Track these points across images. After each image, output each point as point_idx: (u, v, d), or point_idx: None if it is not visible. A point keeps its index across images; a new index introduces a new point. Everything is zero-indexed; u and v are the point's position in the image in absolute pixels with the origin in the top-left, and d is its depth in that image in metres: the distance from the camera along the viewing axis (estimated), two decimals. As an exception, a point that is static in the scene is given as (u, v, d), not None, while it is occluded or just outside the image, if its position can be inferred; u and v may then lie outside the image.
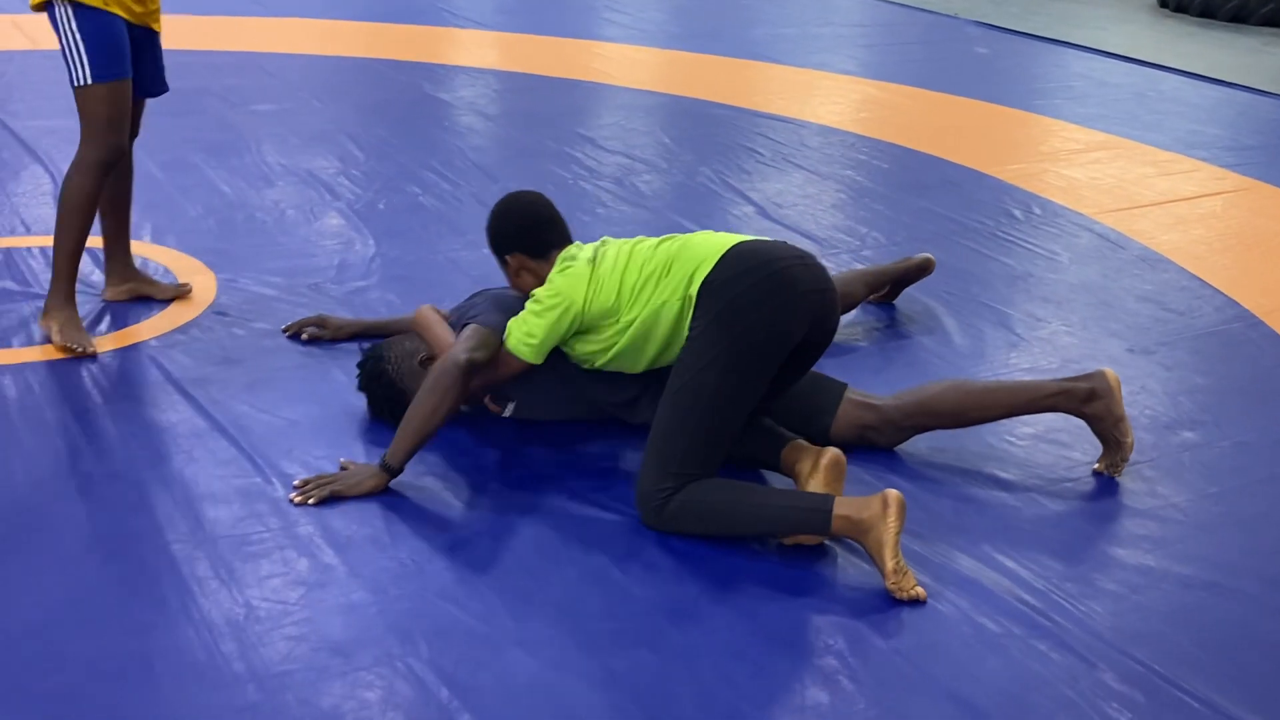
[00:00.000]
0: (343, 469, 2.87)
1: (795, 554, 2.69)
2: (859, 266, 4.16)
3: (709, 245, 2.84)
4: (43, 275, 3.82)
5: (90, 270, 3.86)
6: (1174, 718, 2.27)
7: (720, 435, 2.74)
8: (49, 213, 4.31)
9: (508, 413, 3.15)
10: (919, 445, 3.15)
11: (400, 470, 2.83)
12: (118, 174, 3.60)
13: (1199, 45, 8.58)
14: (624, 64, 7.10)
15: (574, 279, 2.86)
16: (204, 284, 3.82)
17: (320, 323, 3.52)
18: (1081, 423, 3.21)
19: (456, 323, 3.06)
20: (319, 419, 3.11)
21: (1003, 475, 3.04)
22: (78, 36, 3.25)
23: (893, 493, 2.58)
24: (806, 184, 5.16)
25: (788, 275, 2.78)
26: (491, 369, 2.91)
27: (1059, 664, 2.39)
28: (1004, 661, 2.39)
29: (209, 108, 5.67)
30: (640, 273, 2.85)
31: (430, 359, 3.06)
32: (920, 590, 2.57)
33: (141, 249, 4.01)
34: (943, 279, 4.21)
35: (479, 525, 2.74)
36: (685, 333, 2.79)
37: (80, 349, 3.33)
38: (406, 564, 2.57)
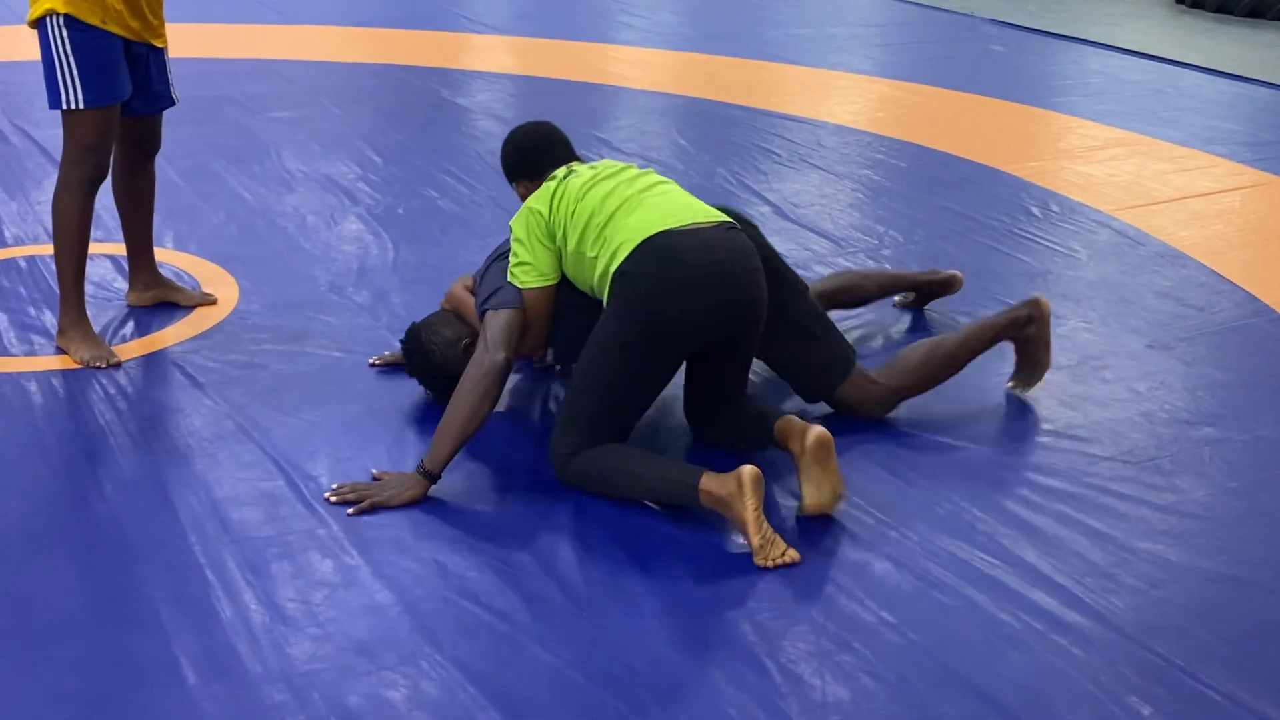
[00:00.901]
0: (376, 480, 2.85)
1: (811, 551, 2.70)
2: (885, 268, 4.14)
3: (638, 225, 2.87)
4: (67, 283, 3.86)
5: (114, 277, 3.90)
6: (1196, 712, 2.27)
7: (620, 409, 2.88)
8: (72, 221, 4.36)
9: (550, 359, 3.25)
10: (937, 441, 3.16)
11: (439, 476, 2.82)
12: (139, 186, 3.62)
13: (1216, 40, 8.55)
14: (639, 66, 7.12)
15: (539, 193, 3.02)
16: (226, 290, 3.86)
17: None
18: (1101, 417, 3.25)
19: (476, 293, 3.11)
20: (342, 422, 3.14)
21: (1022, 471, 3.05)
22: (71, 58, 3.20)
23: (748, 469, 2.62)
24: (823, 184, 5.17)
25: (695, 284, 2.80)
26: (525, 331, 2.97)
27: (1080, 659, 2.39)
28: (1025, 656, 2.40)
29: (229, 115, 5.71)
30: (590, 213, 2.94)
31: (473, 344, 3.06)
32: (792, 554, 2.62)
33: (164, 256, 4.04)
34: (962, 276, 4.21)
35: (501, 524, 2.76)
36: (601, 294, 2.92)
37: (103, 363, 3.35)
38: (429, 564, 2.59)
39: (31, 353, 3.44)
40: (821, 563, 2.66)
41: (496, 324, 2.91)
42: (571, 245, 2.95)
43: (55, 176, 4.78)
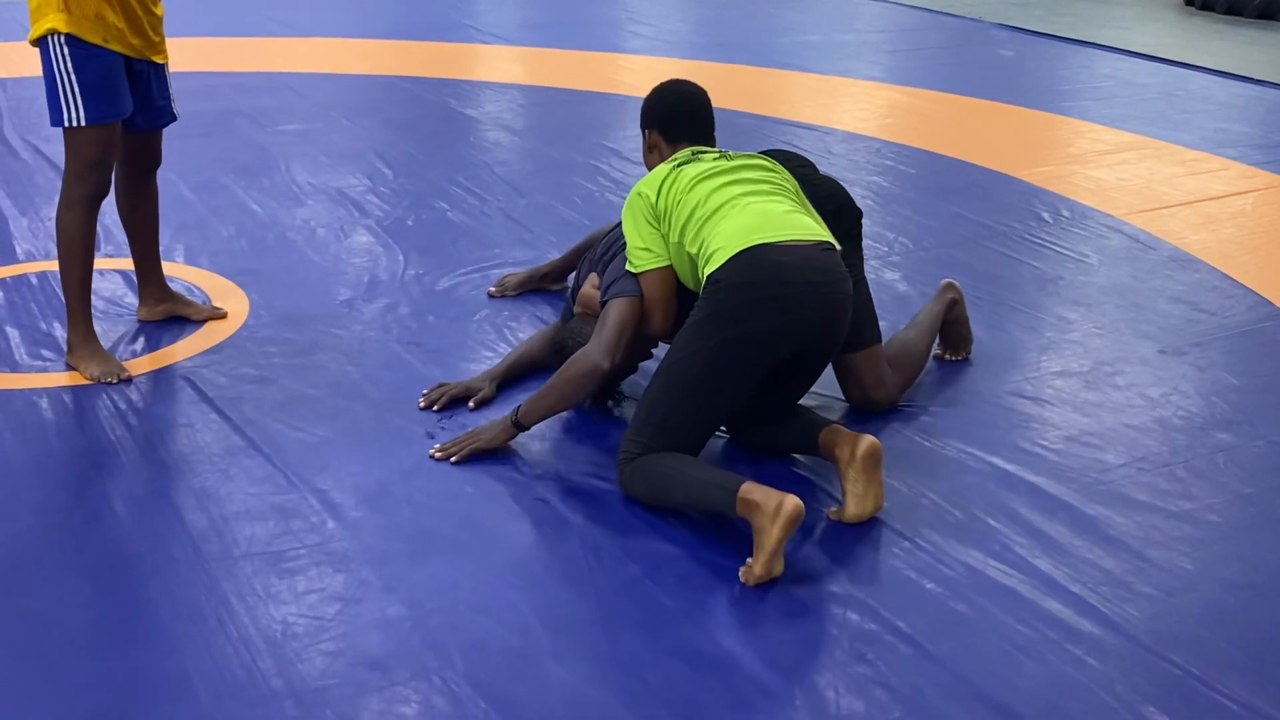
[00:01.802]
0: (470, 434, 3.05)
1: (820, 563, 2.69)
2: (908, 333, 3.61)
3: (737, 231, 2.88)
4: (78, 298, 3.87)
5: (124, 292, 3.91)
6: (1213, 721, 2.26)
7: (695, 421, 2.86)
8: (83, 236, 4.37)
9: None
10: (950, 449, 3.14)
11: (528, 429, 3.03)
12: (143, 201, 3.63)
13: (1226, 43, 8.52)
14: (649, 76, 7.12)
15: (651, 177, 3.05)
16: (236, 303, 3.86)
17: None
18: (1114, 423, 3.27)
19: (601, 267, 3.18)
20: (353, 435, 3.14)
21: (1035, 479, 3.03)
22: (73, 76, 3.21)
23: (793, 501, 2.57)
24: (833, 191, 5.16)
25: (791, 301, 2.82)
26: (648, 316, 3.02)
27: (1096, 669, 2.38)
28: (1040, 667, 2.38)
29: (239, 129, 5.73)
30: (693, 207, 2.95)
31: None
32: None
33: (174, 270, 4.05)
34: (972, 283, 4.20)
35: (512, 539, 2.76)
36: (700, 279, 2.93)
37: (113, 378, 3.36)
38: (441, 578, 2.59)
39: (43, 368, 3.45)
40: (833, 572, 2.65)
41: (613, 318, 2.99)
42: (674, 237, 2.98)
43: (65, 192, 4.81)
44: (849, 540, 2.77)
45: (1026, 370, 3.61)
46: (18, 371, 3.43)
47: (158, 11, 3.40)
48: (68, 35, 3.20)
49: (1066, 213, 4.93)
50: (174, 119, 3.57)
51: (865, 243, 4.56)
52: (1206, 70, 7.61)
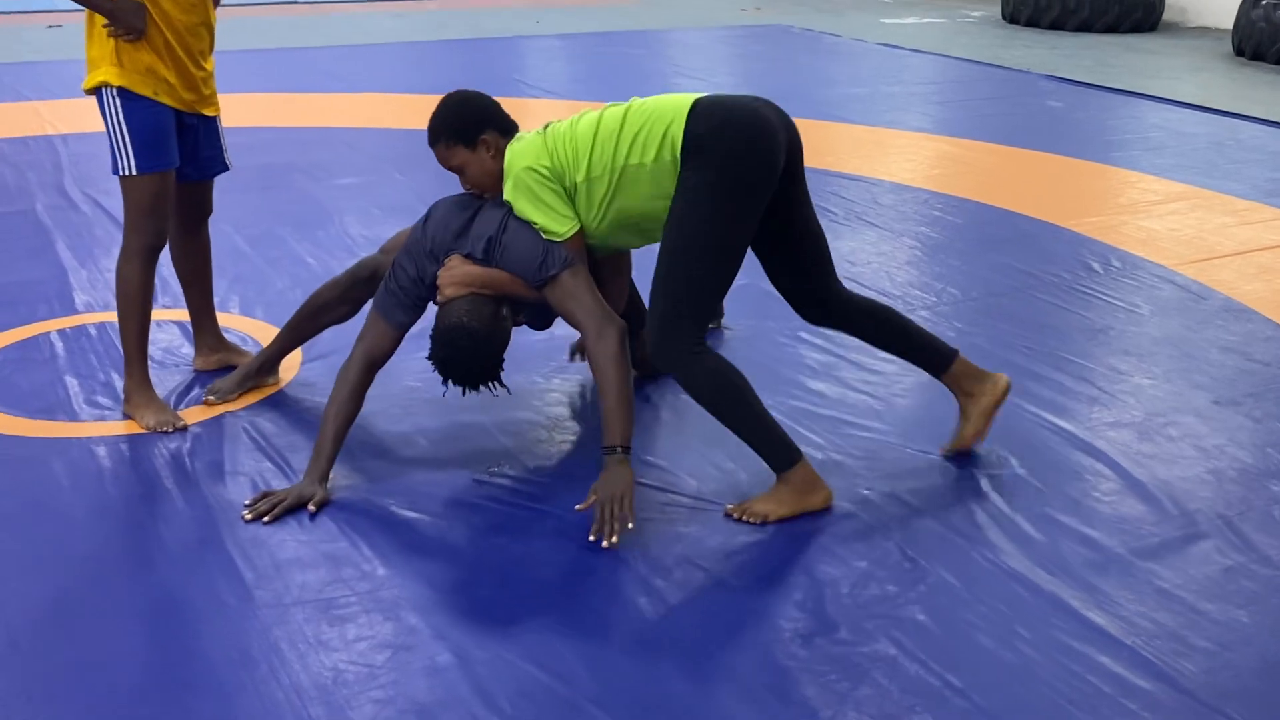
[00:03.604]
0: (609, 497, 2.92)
1: (874, 612, 2.67)
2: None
3: (672, 103, 3.01)
4: (136, 348, 3.94)
5: (180, 342, 3.98)
6: (1272, 778, 2.21)
7: (721, 283, 3.00)
8: (141, 287, 4.45)
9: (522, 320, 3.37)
10: (1001, 501, 3.12)
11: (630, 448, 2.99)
12: (195, 250, 3.71)
13: (1277, 92, 8.47)
14: (696, 128, 7.18)
15: (521, 153, 3.05)
16: (290, 355, 3.91)
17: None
18: (1167, 475, 3.24)
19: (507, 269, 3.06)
20: (402, 484, 3.17)
21: (1088, 530, 3.01)
22: (124, 127, 3.32)
23: (824, 496, 3.02)
24: (880, 241, 5.17)
25: (762, 116, 2.99)
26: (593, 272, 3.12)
27: (1150, 723, 2.35)
28: (1093, 721, 2.35)
29: (294, 182, 5.83)
30: (595, 133, 3.02)
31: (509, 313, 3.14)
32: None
33: (230, 321, 4.12)
34: (1022, 333, 4.19)
35: (558, 586, 2.76)
36: (667, 191, 2.96)
37: (169, 428, 3.41)
38: (489, 625, 2.60)
39: (101, 417, 3.51)
40: (883, 623, 2.64)
41: (583, 288, 3.02)
42: (581, 175, 3.01)
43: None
44: (896, 591, 2.75)
45: (1078, 421, 3.58)
46: (76, 420, 3.49)
47: (208, 67, 3.49)
48: (119, 89, 3.30)
49: (1117, 263, 4.90)
50: (225, 169, 3.66)
51: (914, 293, 4.57)
52: (1257, 120, 7.57)
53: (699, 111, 2.97)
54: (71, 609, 2.65)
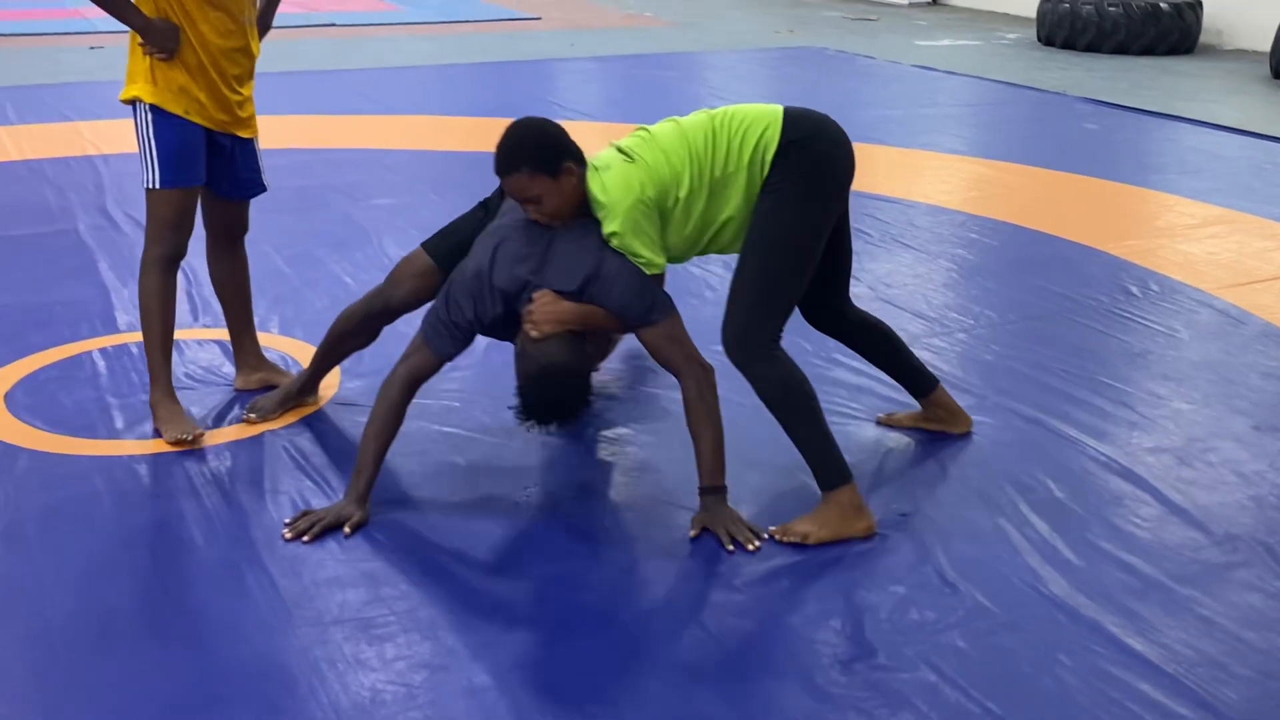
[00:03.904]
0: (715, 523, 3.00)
1: (909, 638, 2.66)
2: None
3: (763, 111, 3.06)
4: (175, 368, 3.97)
5: (221, 361, 4.01)
6: (1317, 809, 2.19)
7: (803, 288, 3.10)
8: (183, 308, 4.47)
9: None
10: (1041, 525, 3.10)
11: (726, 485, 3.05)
12: (232, 269, 3.77)
13: (1317, 115, 8.41)
14: (731, 150, 7.19)
15: (617, 179, 2.95)
16: (328, 374, 3.94)
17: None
18: (1207, 501, 3.23)
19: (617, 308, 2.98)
20: (441, 503, 3.18)
21: (1127, 557, 2.98)
22: (153, 142, 3.40)
23: (867, 525, 3.04)
24: (916, 263, 5.16)
25: (843, 132, 3.15)
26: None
27: (1193, 752, 2.32)
28: (1135, 749, 2.33)
29: (332, 203, 5.88)
30: (689, 147, 3.00)
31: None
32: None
33: (270, 340, 4.16)
34: (1060, 356, 4.17)
35: (595, 608, 2.77)
36: (754, 195, 3.01)
37: (190, 438, 3.44)
38: (526, 646, 2.60)
39: (142, 435, 3.54)
40: (923, 649, 2.62)
41: (684, 331, 3.04)
42: (684, 191, 2.98)
43: (166, 264, 4.96)
44: (935, 617, 2.74)
45: (1117, 446, 3.56)
46: (118, 438, 3.53)
47: (244, 92, 3.54)
48: (151, 105, 3.38)
49: (1155, 287, 4.88)
50: (263, 189, 3.72)
51: (951, 315, 4.56)
52: (1296, 143, 7.51)
53: (791, 119, 3.05)
54: (111, 625, 2.67)
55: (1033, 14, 11.79)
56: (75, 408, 3.69)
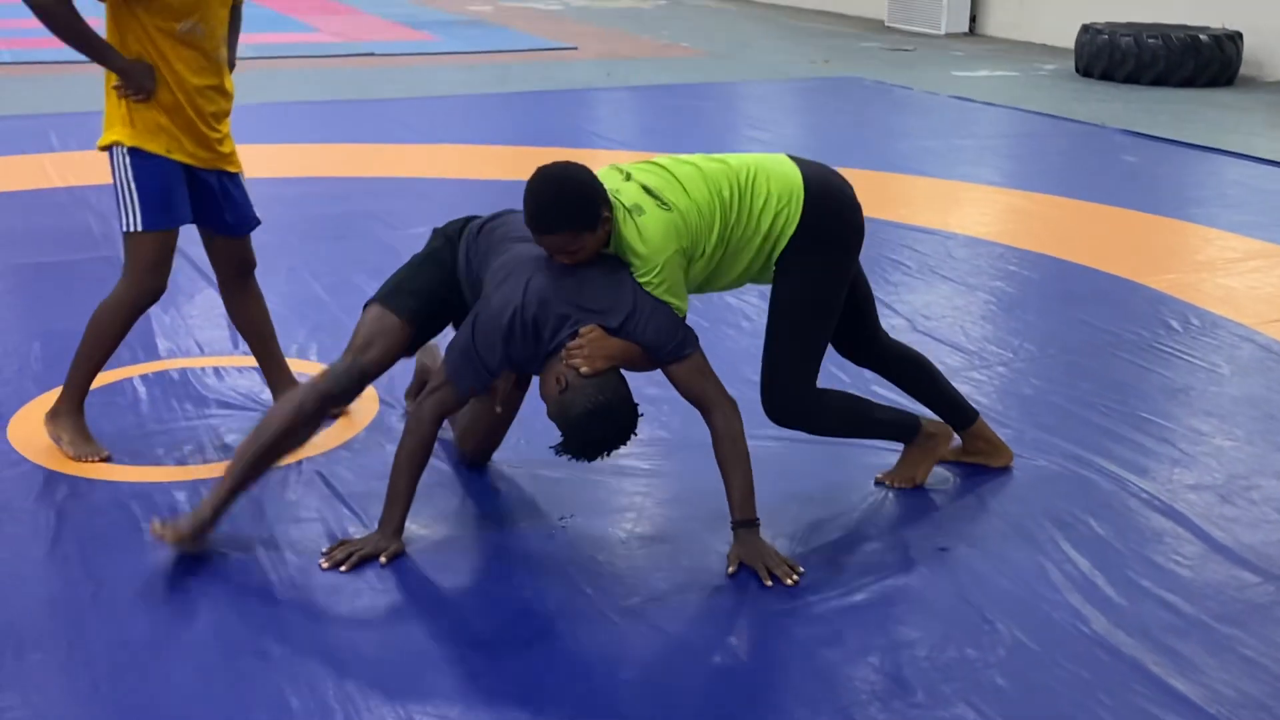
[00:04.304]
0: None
1: (953, 675, 2.63)
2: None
3: (785, 177, 3.10)
4: (215, 394, 4.01)
5: (260, 388, 4.03)
6: None
7: (831, 333, 3.25)
8: (222, 334, 4.54)
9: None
10: (1081, 562, 3.07)
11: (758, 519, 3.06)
12: (249, 306, 3.78)
13: (1360, 148, 8.33)
14: (767, 180, 7.19)
15: (663, 224, 2.94)
16: (366, 402, 3.96)
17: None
18: (1251, 540, 3.19)
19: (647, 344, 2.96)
20: (477, 531, 3.18)
21: (1168, 595, 2.95)
22: (133, 185, 3.41)
23: (947, 429, 3.47)
24: (954, 295, 5.14)
25: (852, 194, 3.21)
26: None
27: (1238, 797, 2.29)
28: (1179, 793, 2.30)
29: (370, 231, 5.92)
30: (717, 201, 3.02)
31: None
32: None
33: (308, 367, 4.18)
34: (1099, 391, 4.14)
35: (631, 641, 2.76)
36: (771, 256, 3.10)
37: (92, 459, 3.49)
38: (564, 678, 2.60)
39: (181, 462, 3.56)
40: (961, 687, 2.60)
41: (709, 366, 3.06)
42: (712, 242, 3.02)
43: (207, 291, 5.01)
44: (978, 654, 2.71)
45: (1158, 482, 3.52)
46: (158, 465, 3.55)
47: (222, 130, 3.57)
48: (130, 148, 3.41)
49: (1196, 321, 4.83)
50: (256, 223, 3.73)
51: (990, 348, 4.53)
52: (1339, 176, 7.44)
53: (811, 194, 3.09)
54: (149, 652, 2.68)
55: (1071, 45, 11.76)
56: (116, 434, 3.72)
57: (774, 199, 3.06)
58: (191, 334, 4.55)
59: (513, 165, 7.41)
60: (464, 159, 7.57)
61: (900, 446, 3.49)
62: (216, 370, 4.22)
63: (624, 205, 2.97)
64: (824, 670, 2.66)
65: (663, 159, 3.16)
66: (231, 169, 3.61)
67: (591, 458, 2.99)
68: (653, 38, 13.73)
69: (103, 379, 4.09)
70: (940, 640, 2.76)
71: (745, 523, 3.02)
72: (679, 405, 3.29)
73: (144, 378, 4.16)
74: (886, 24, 15.02)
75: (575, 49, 12.70)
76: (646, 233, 2.93)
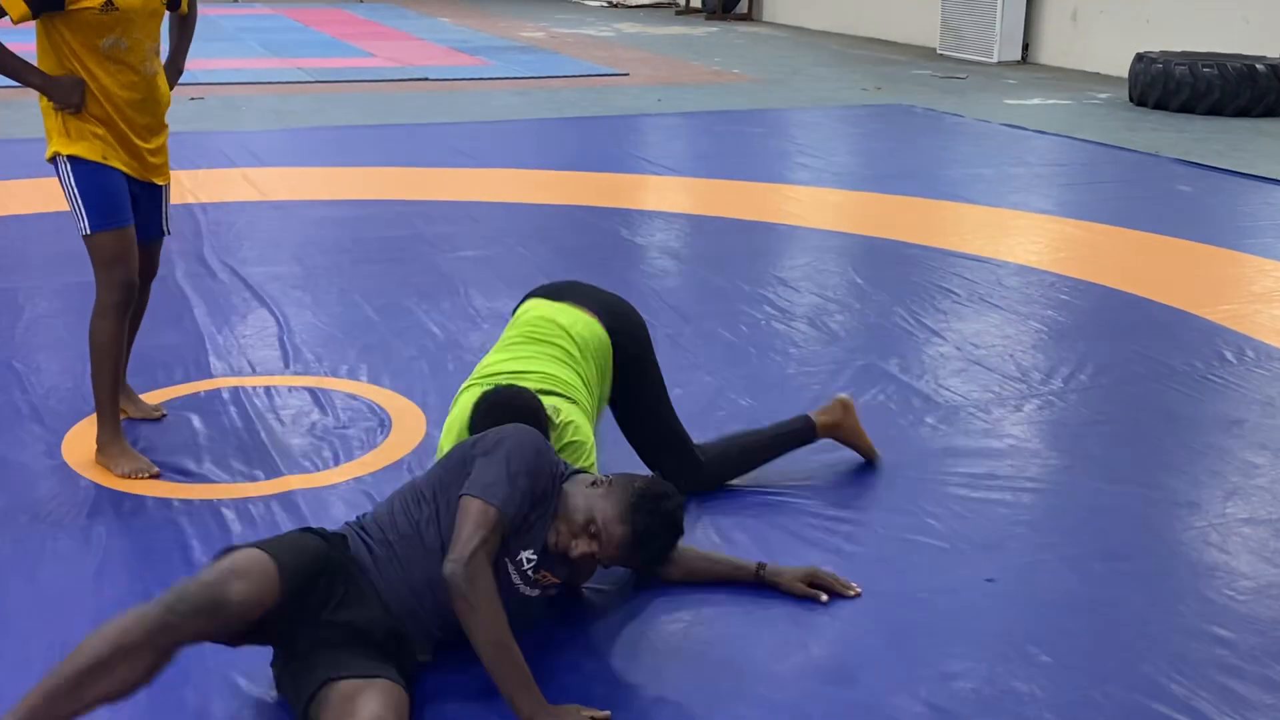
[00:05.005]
0: None
1: (991, 702, 2.60)
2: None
3: (570, 314, 3.40)
4: (266, 413, 4.05)
5: (310, 408, 4.06)
6: None
7: None
8: (275, 354, 4.59)
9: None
10: (1134, 598, 3.03)
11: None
12: (139, 300, 3.88)
13: None
14: (816, 206, 7.19)
15: (582, 416, 3.21)
16: (414, 421, 3.99)
17: None
18: (1308, 577, 3.10)
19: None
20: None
21: (1222, 631, 2.90)
22: (76, 190, 3.54)
23: (842, 395, 3.72)
24: (1005, 324, 5.10)
25: (634, 313, 3.55)
26: None
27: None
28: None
29: (421, 254, 5.96)
30: (582, 377, 3.30)
31: None
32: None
33: (357, 388, 4.22)
34: (1152, 422, 4.09)
35: (679, 692, 2.75)
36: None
37: (145, 474, 3.57)
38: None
39: (231, 479, 3.60)
40: (1007, 720, 2.57)
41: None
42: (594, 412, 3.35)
43: (260, 312, 5.07)
44: (1023, 689, 2.68)
45: (1211, 516, 3.47)
46: (207, 482, 3.59)
47: (154, 142, 3.67)
48: (69, 156, 3.52)
49: (1250, 353, 4.77)
50: (166, 234, 3.87)
51: (1040, 377, 4.49)
52: (1400, 207, 7.33)
53: (616, 338, 3.41)
54: (193, 671, 2.70)
55: (1124, 74, 11.67)
56: (167, 451, 3.76)
57: (594, 355, 3.35)
58: (244, 353, 4.61)
59: (560, 190, 7.46)
60: (516, 183, 7.62)
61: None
62: (268, 390, 4.26)
63: (558, 421, 3.11)
64: (868, 700, 2.64)
65: (505, 362, 3.30)
66: (158, 180, 3.73)
67: (680, 525, 2.83)
68: (704, 64, 13.77)
69: (157, 397, 4.15)
70: (988, 674, 2.73)
71: (760, 567, 3.08)
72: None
73: (196, 396, 4.21)
74: (938, 51, 14.98)
75: (627, 75, 12.77)
76: (580, 426, 3.15)
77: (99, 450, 3.66)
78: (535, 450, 2.69)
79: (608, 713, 2.53)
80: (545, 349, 3.31)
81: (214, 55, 13.01)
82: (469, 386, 3.27)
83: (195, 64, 12.44)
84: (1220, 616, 2.97)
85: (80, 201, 3.54)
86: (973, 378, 4.48)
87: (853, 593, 3.00)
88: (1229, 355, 4.75)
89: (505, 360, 3.30)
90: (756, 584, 3.04)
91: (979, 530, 3.37)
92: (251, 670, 2.66)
